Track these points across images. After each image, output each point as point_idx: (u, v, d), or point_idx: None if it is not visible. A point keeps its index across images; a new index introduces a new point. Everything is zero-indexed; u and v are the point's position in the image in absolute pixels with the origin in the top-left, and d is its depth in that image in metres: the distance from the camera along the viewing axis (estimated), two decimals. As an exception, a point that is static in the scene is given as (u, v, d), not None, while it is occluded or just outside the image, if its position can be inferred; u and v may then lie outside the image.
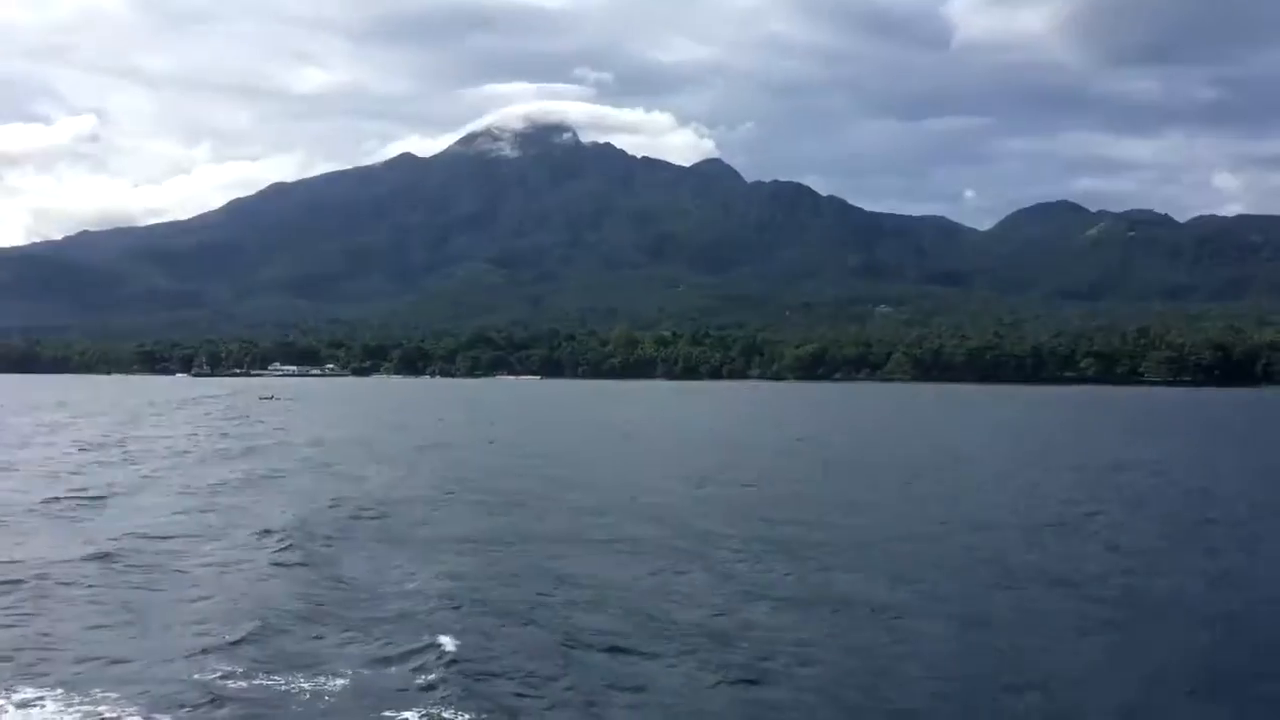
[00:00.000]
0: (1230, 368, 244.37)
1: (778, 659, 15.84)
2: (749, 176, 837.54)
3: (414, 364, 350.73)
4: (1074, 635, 17.47)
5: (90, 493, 33.94)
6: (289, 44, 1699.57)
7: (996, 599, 20.22)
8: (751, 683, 14.80)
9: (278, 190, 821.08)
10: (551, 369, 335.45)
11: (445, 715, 13.33)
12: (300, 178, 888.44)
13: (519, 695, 14.18)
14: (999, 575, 22.35)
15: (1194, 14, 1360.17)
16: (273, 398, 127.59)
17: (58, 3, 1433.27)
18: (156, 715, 13.43)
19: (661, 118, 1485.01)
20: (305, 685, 14.45)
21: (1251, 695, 14.80)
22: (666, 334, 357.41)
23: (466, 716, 13.29)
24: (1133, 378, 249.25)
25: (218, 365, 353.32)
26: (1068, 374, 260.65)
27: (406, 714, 13.41)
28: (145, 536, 25.58)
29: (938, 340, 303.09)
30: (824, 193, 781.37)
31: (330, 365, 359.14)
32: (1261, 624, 18.49)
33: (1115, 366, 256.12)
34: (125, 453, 49.76)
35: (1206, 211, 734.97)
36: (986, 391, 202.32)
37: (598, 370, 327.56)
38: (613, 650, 16.34)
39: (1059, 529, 29.10)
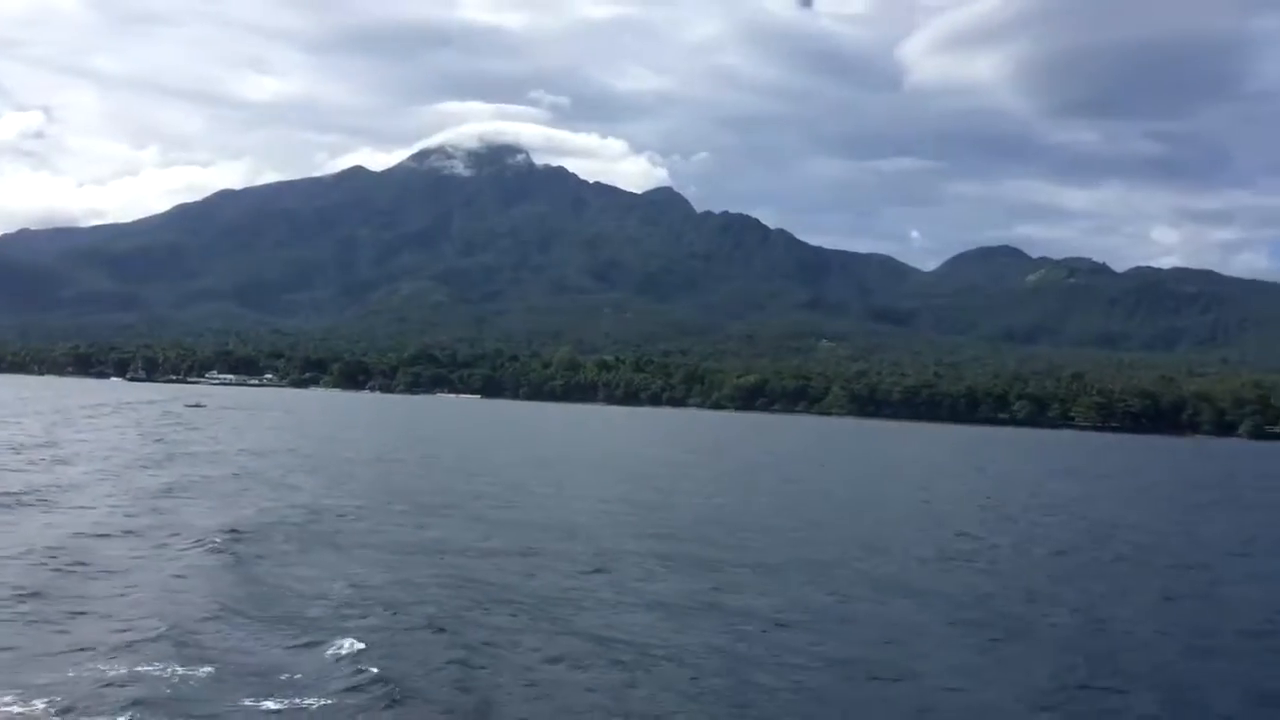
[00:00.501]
0: (1157, 415, 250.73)
1: (652, 660, 16.97)
2: (699, 206, 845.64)
3: (354, 378, 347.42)
4: (939, 650, 18.75)
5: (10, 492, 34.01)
6: (244, 51, 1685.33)
7: (869, 613, 21.51)
8: (626, 685, 15.89)
9: (224, 197, 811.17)
10: (493, 389, 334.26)
11: (348, 703, 14.16)
12: (247, 185, 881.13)
13: (416, 690, 15.08)
14: (880, 593, 23.68)
15: (1137, 70, 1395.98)
16: (199, 404, 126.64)
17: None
18: (66, 713, 13.68)
19: (615, 144, 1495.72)
20: (214, 679, 15.07)
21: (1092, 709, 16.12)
22: (609, 358, 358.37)
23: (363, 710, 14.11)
24: (1063, 421, 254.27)
25: (154, 370, 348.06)
26: (1001, 415, 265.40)
27: (310, 702, 14.21)
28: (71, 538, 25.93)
29: (876, 377, 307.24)
30: (773, 225, 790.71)
31: (269, 375, 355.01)
32: (1121, 651, 19.79)
33: (1047, 410, 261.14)
34: (54, 455, 49.52)
35: (1143, 263, 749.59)
36: (918, 429, 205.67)
37: (539, 392, 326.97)
38: (506, 647, 17.37)
39: (947, 557, 30.51)
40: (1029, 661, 18.62)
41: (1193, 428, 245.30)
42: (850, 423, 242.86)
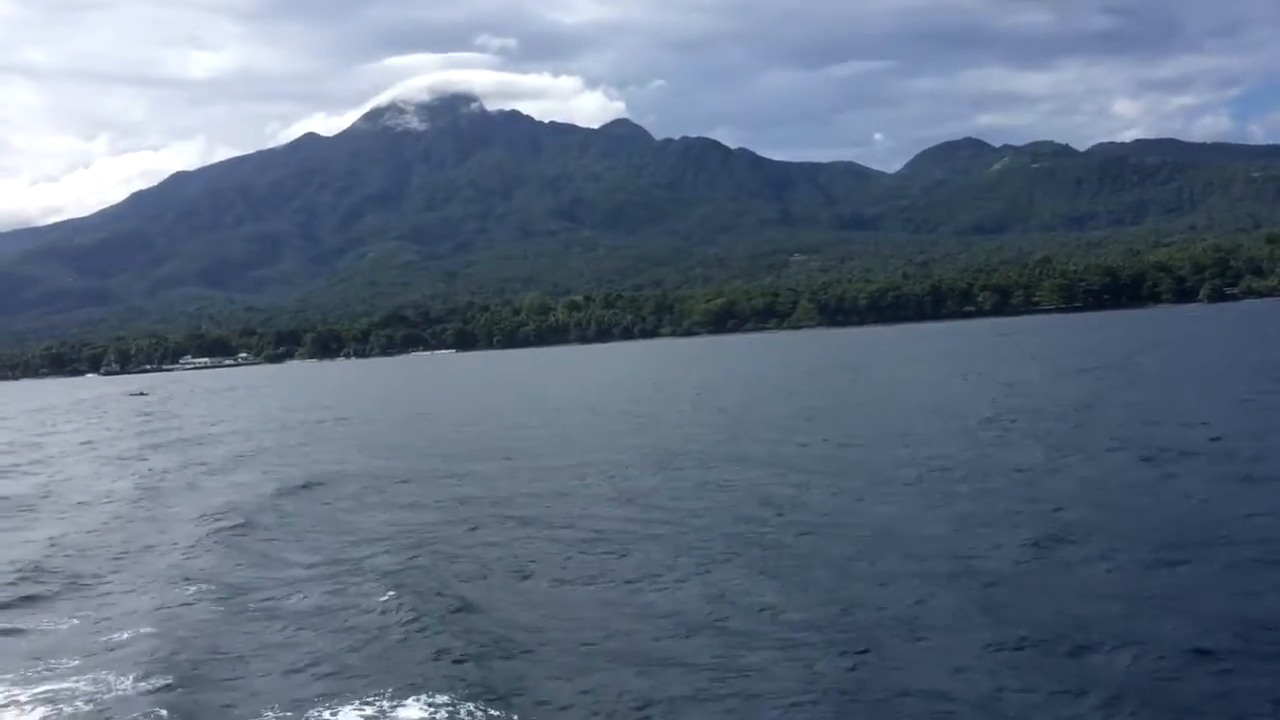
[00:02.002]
0: (1119, 290, 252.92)
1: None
2: (659, 134, 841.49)
3: (328, 347, 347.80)
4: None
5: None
6: (179, 28, 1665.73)
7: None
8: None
9: (180, 179, 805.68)
10: (466, 342, 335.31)
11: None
12: (202, 165, 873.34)
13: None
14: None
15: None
16: (141, 393, 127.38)
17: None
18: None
19: (569, 81, 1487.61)
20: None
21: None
22: (578, 299, 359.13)
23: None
24: (1028, 307, 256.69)
25: (127, 362, 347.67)
26: (967, 308, 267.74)
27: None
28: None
29: (841, 286, 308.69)
30: (733, 146, 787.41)
31: (243, 355, 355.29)
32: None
33: (1010, 298, 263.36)
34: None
35: (1106, 139, 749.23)
36: (881, 332, 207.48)
37: (512, 340, 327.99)
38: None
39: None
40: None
41: (1154, 298, 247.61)
42: (818, 333, 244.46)
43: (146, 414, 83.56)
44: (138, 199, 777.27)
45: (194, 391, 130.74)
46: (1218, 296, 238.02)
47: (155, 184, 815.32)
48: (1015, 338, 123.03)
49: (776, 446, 33.58)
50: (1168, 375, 52.35)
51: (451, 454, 38.02)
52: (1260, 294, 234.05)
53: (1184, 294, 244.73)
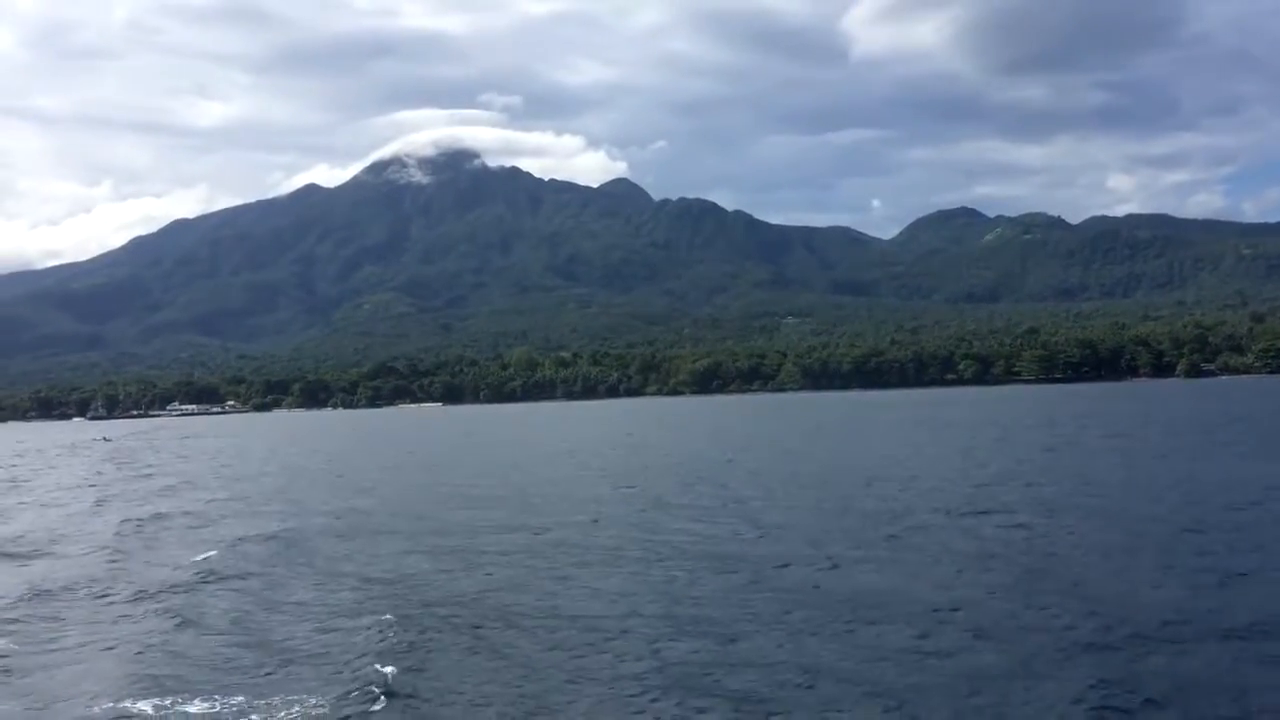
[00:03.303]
0: (1098, 363, 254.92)
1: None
2: (658, 195, 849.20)
3: (315, 396, 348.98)
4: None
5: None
6: (187, 78, 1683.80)
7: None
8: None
9: (180, 226, 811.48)
10: (454, 395, 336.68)
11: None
12: (203, 213, 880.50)
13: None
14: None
15: (1077, 22, 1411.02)
16: (105, 439, 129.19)
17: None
18: None
19: (572, 140, 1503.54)
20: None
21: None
22: (566, 355, 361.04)
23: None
24: (1008, 377, 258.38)
25: (114, 408, 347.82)
26: (949, 376, 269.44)
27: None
28: None
29: (826, 350, 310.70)
30: (730, 208, 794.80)
31: (231, 402, 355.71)
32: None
33: (992, 367, 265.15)
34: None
35: (1100, 212, 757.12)
36: (854, 398, 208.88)
37: (499, 394, 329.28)
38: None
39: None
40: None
41: (1132, 371, 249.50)
42: (799, 397, 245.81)
43: (90, 458, 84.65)
44: (137, 245, 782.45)
45: (154, 439, 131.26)
46: (1194, 372, 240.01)
47: (155, 230, 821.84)
48: (964, 408, 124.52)
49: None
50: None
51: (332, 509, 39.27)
52: (1236, 371, 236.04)
53: (1162, 369, 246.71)
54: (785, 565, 23.89)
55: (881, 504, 33.98)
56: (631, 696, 14.95)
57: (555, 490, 43.26)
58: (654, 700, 14.72)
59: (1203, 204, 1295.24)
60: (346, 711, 14.43)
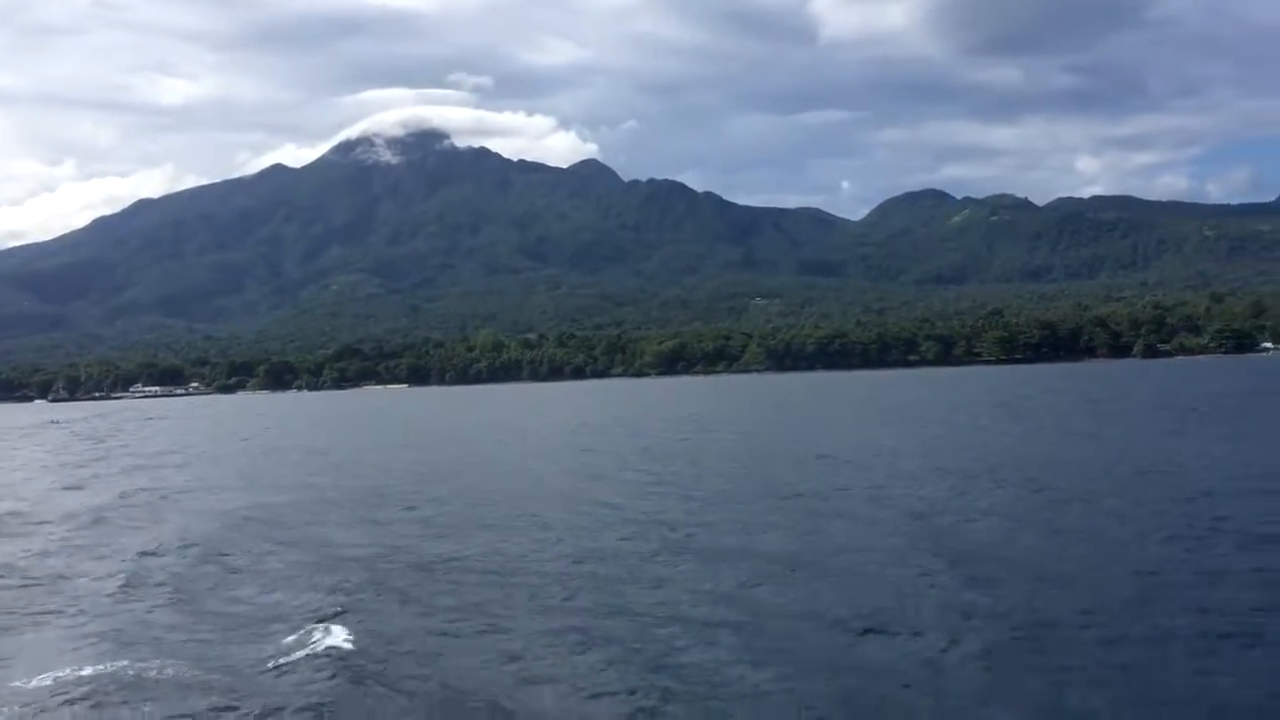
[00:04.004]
0: (1057, 344, 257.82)
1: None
2: (628, 175, 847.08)
3: (280, 378, 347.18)
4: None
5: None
6: (151, 55, 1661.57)
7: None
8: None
9: (144, 206, 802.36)
10: (419, 377, 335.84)
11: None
12: (168, 193, 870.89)
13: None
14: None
15: (1046, 5, 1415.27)
16: (54, 422, 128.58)
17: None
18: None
19: (542, 121, 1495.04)
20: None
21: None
22: (532, 337, 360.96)
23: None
24: (970, 358, 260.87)
25: (77, 389, 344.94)
26: (911, 357, 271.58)
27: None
28: None
29: (791, 332, 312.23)
30: (700, 189, 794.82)
31: (194, 384, 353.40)
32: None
33: (953, 348, 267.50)
34: None
35: (1067, 194, 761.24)
36: (816, 378, 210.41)
37: (465, 376, 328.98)
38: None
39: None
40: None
41: (1090, 352, 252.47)
42: (763, 378, 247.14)
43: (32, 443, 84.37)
44: (100, 225, 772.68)
45: (97, 422, 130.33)
46: (1151, 352, 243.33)
47: (119, 210, 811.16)
48: (915, 389, 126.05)
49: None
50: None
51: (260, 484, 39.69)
52: (1192, 351, 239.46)
53: (1119, 349, 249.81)
54: (691, 530, 25.55)
55: (790, 477, 35.14)
56: (543, 634, 16.85)
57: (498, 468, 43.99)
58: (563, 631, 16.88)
59: (1169, 185, 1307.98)
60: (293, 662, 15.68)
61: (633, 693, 13.93)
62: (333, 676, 14.96)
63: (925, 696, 13.52)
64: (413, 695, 14.29)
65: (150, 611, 19.70)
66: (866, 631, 16.24)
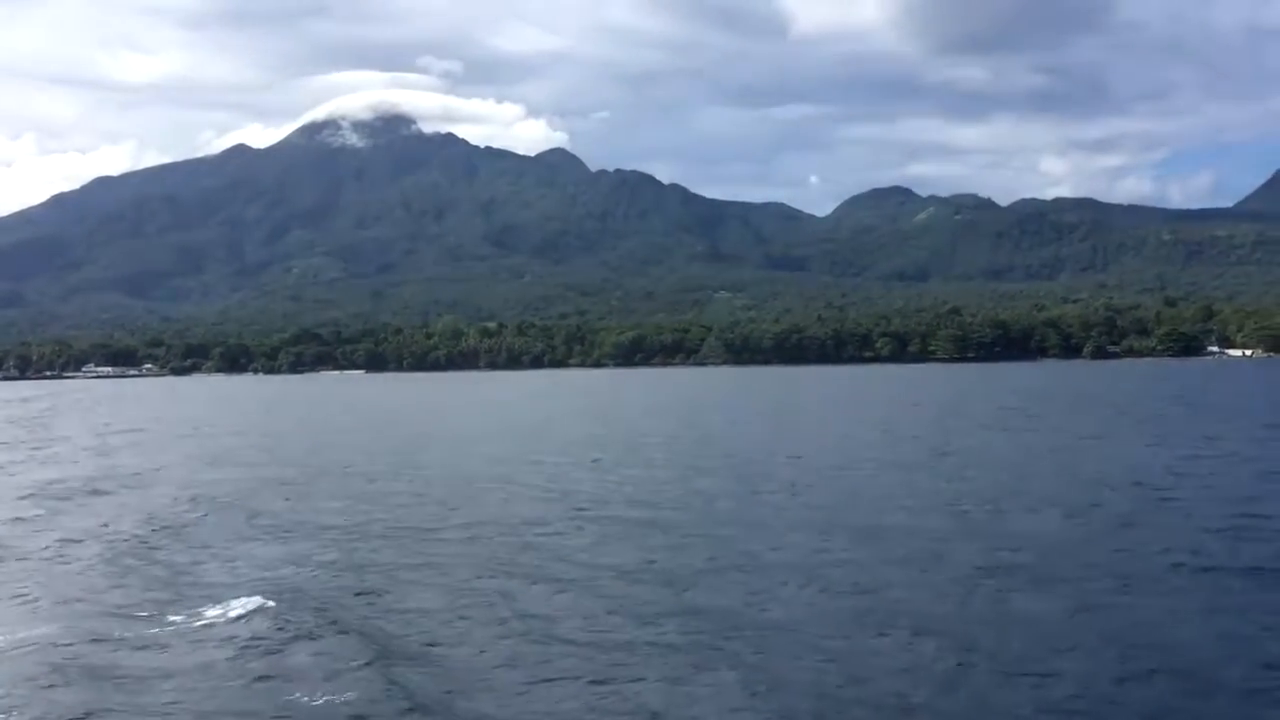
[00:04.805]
0: (1010, 343, 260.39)
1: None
2: (596, 166, 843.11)
3: (236, 362, 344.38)
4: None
5: None
6: (115, 30, 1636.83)
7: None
8: None
9: (103, 184, 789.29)
10: (376, 363, 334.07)
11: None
12: (129, 170, 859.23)
13: None
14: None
15: (1015, 5, 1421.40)
16: None
17: None
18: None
19: (511, 109, 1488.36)
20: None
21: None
22: (491, 325, 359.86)
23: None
24: (924, 355, 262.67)
25: (27, 368, 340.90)
26: (866, 354, 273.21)
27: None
28: None
29: (749, 326, 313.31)
30: (667, 181, 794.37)
31: (148, 366, 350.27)
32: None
33: (908, 345, 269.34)
34: None
35: (1032, 194, 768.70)
36: (764, 373, 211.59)
37: (423, 363, 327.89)
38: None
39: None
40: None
41: (1042, 352, 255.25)
42: (718, 370, 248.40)
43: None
44: (58, 201, 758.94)
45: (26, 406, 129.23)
46: (1100, 354, 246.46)
47: (78, 187, 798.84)
48: (855, 383, 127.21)
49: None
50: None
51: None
52: (1140, 353, 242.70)
53: (1070, 350, 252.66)
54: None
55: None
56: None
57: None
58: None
59: (1132, 188, 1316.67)
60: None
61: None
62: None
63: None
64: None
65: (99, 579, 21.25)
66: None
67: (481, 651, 15.70)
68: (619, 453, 44.62)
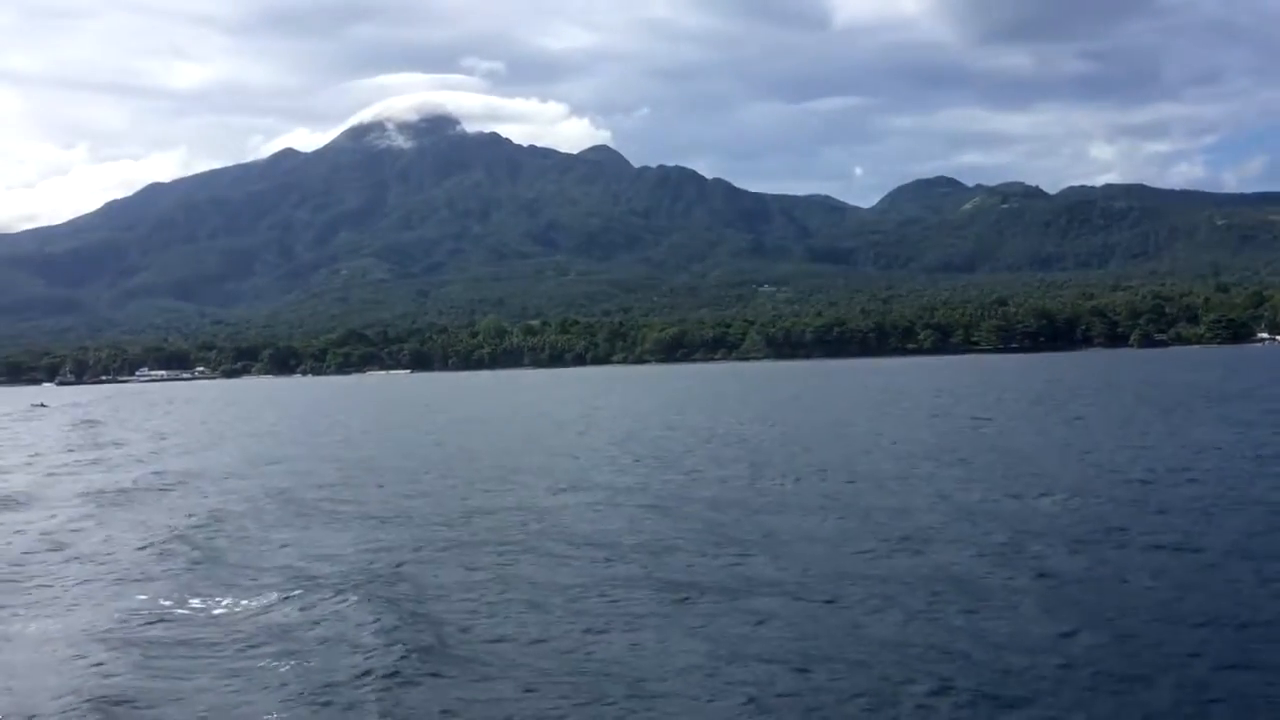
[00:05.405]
0: (1055, 333, 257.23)
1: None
2: (639, 162, 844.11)
3: (285, 363, 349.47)
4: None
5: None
6: (164, 39, 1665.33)
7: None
8: None
9: (155, 190, 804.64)
10: (422, 362, 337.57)
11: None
12: (179, 176, 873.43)
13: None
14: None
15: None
16: (41, 404, 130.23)
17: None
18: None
19: (555, 107, 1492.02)
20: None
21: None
22: (534, 323, 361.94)
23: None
24: (967, 346, 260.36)
25: (84, 373, 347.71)
26: (909, 346, 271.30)
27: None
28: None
29: (790, 320, 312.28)
30: (710, 176, 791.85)
31: (200, 368, 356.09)
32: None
33: (951, 337, 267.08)
34: None
35: (1080, 182, 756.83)
36: (805, 367, 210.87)
37: (468, 361, 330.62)
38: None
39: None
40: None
41: (1087, 342, 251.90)
42: (761, 365, 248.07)
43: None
44: (111, 209, 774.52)
45: (93, 408, 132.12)
46: (1147, 342, 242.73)
47: (130, 194, 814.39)
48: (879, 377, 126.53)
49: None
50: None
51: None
52: (1188, 341, 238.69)
53: (1116, 338, 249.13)
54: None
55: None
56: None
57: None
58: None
59: (1184, 174, 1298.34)
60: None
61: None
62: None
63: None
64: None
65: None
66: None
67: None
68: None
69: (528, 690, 13.75)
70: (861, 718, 12.76)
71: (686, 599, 17.93)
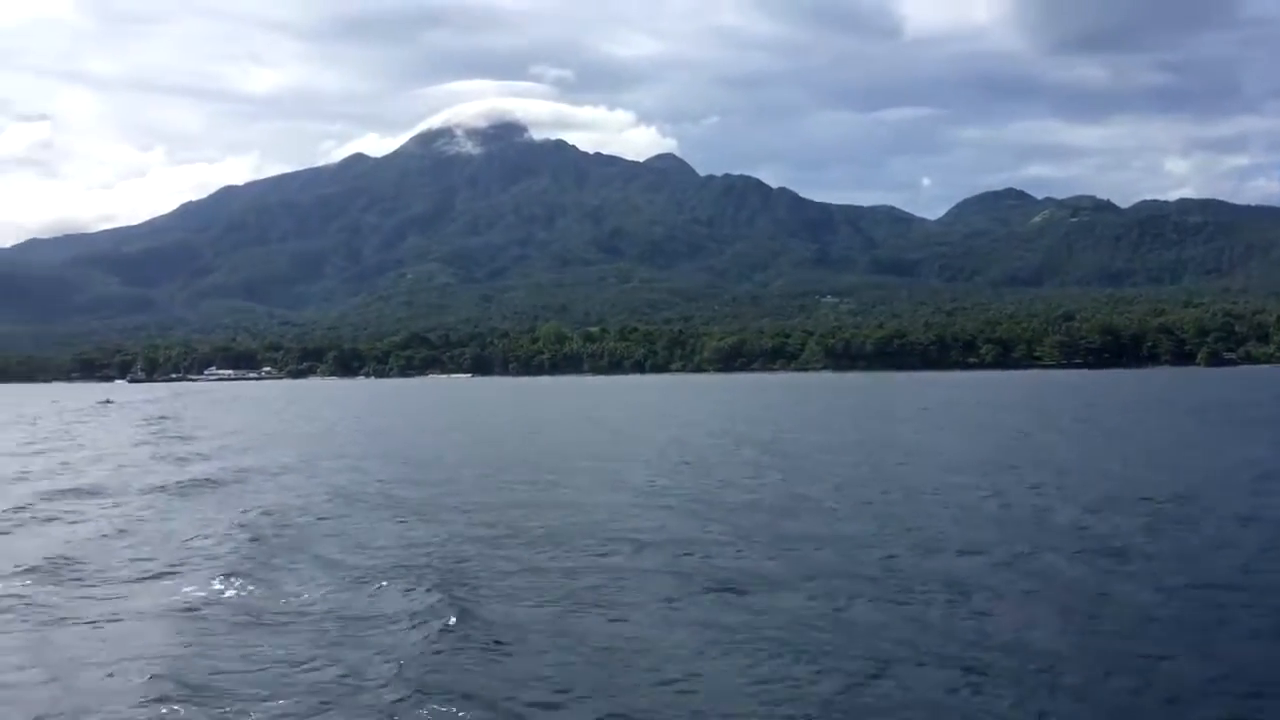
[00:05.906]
0: (1120, 350, 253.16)
1: None
2: (705, 170, 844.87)
3: (349, 365, 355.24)
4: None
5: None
6: (240, 44, 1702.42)
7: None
8: None
9: (228, 193, 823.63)
10: (483, 367, 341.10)
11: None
12: (251, 180, 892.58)
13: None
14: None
15: (1135, 2, 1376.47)
16: (109, 401, 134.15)
17: (4, 7, 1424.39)
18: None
19: (623, 115, 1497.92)
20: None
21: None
22: (594, 330, 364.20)
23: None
24: (1029, 361, 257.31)
25: (155, 370, 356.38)
26: (970, 359, 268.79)
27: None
28: None
29: (850, 331, 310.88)
30: (775, 185, 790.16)
31: (267, 369, 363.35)
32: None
33: (1013, 351, 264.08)
34: None
35: (1155, 196, 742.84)
36: (867, 379, 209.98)
37: (528, 367, 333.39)
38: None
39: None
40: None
41: (1153, 359, 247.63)
42: (819, 376, 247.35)
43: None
44: (186, 210, 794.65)
45: (164, 404, 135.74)
46: (1215, 360, 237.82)
47: (205, 196, 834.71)
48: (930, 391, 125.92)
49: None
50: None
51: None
52: (1259, 360, 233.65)
53: (1183, 356, 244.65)
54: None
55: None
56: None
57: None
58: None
59: (1260, 189, 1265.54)
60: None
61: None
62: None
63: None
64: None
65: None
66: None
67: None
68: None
69: (560, 669, 14.46)
70: (881, 708, 12.99)
71: (721, 592, 18.48)
